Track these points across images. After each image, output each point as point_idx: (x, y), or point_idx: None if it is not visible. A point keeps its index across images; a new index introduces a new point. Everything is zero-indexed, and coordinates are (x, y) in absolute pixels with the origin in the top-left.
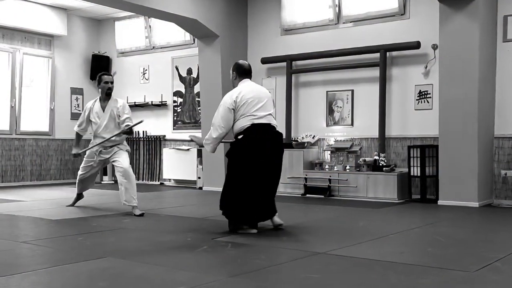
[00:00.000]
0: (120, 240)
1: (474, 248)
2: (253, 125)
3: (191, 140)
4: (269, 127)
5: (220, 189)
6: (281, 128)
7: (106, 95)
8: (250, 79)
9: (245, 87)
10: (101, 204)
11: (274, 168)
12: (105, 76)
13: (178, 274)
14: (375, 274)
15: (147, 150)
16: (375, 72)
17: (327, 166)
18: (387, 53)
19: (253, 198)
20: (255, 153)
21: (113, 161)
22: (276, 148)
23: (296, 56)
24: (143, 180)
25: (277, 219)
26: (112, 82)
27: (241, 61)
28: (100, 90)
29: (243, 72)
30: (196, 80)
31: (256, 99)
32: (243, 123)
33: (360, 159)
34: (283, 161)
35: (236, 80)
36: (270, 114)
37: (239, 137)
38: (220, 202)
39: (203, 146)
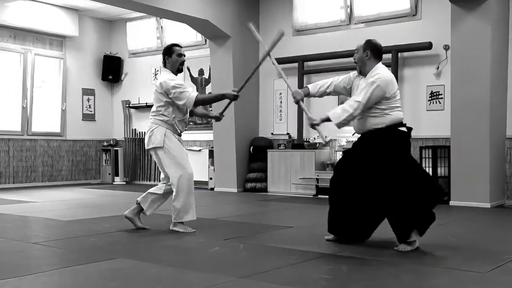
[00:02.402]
0: (132, 241)
1: (486, 249)
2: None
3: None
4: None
5: (232, 189)
6: (293, 129)
7: (178, 71)
8: None
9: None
10: (113, 205)
11: None
12: (178, 48)
13: (190, 275)
14: (386, 274)
15: None
16: None
17: None
18: (399, 53)
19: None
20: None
21: None
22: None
23: (307, 57)
24: (154, 180)
25: None
26: (184, 55)
27: (375, 40)
28: (169, 64)
29: (380, 55)
30: (207, 81)
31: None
32: (400, 115)
33: None
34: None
35: (370, 60)
36: None
37: (399, 128)
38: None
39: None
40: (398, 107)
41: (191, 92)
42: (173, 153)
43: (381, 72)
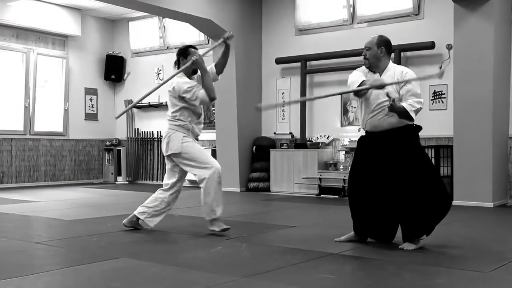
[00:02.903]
0: (135, 240)
1: (489, 248)
2: None
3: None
4: None
5: (235, 189)
6: (295, 128)
7: (193, 72)
8: None
9: None
10: (116, 204)
11: None
12: (194, 50)
13: (193, 274)
14: (390, 274)
15: (162, 151)
16: None
17: (341, 166)
18: (402, 53)
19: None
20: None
21: None
22: None
23: (310, 56)
24: (157, 180)
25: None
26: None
27: (385, 36)
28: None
29: (391, 50)
30: None
31: None
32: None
33: None
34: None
35: (384, 57)
36: None
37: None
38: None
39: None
40: None
41: (200, 89)
42: (195, 154)
43: (404, 68)
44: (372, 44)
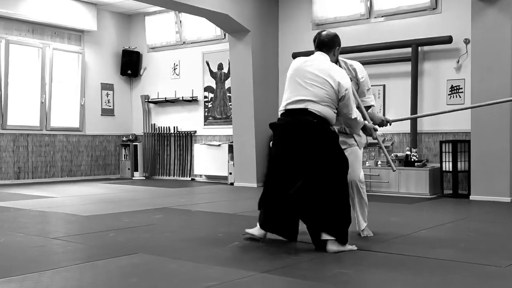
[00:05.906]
0: (152, 236)
1: (506, 243)
2: (286, 111)
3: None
4: (299, 113)
5: (252, 184)
6: None
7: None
8: (328, 52)
9: (299, 60)
10: (132, 200)
11: (292, 167)
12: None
13: (210, 270)
14: (407, 269)
15: (178, 146)
16: (407, 67)
17: None
18: (419, 47)
19: (267, 199)
20: (274, 146)
21: None
22: (298, 142)
23: None
24: (174, 176)
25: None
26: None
27: (322, 31)
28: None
29: (315, 45)
30: (227, 75)
31: (301, 77)
32: (280, 108)
33: (392, 154)
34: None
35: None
36: (311, 100)
37: None
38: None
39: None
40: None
41: None
42: None
43: None
44: None
